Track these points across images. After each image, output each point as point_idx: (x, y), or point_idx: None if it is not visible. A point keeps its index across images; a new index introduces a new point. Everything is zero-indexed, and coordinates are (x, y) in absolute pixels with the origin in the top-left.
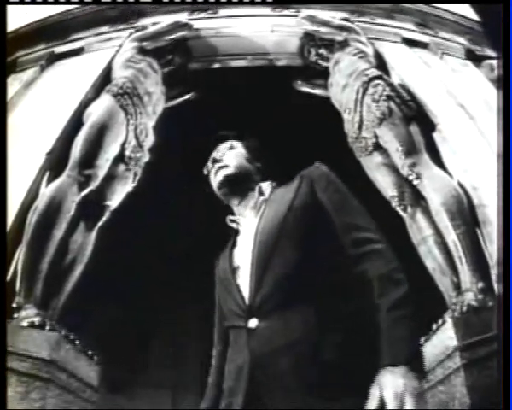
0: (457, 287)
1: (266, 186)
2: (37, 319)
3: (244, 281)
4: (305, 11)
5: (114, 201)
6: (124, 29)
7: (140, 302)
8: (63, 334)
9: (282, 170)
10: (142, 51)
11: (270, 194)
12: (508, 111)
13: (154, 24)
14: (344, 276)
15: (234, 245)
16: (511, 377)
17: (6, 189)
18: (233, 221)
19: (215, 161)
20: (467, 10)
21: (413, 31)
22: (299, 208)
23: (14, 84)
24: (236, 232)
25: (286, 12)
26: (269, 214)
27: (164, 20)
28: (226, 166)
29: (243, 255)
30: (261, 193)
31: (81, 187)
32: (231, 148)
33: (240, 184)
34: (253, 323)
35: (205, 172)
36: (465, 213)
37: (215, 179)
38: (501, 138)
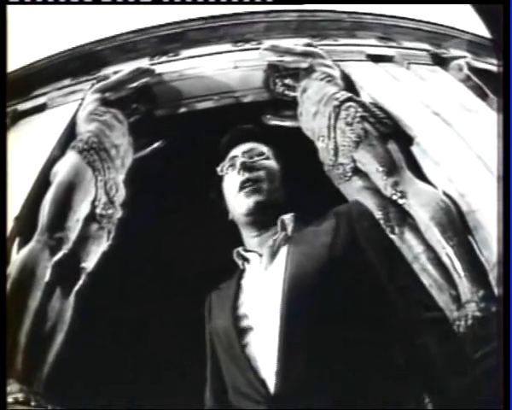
0: (457, 300)
1: (289, 220)
2: (20, 395)
3: (260, 353)
4: (267, 42)
5: (90, 262)
6: (86, 80)
7: (127, 366)
8: (50, 409)
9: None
10: (105, 103)
11: (294, 231)
12: (508, 112)
13: (115, 73)
14: (400, 351)
15: (238, 293)
16: (511, 378)
17: None
18: (241, 256)
19: (245, 167)
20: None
21: (376, 46)
22: (342, 258)
23: None
24: (241, 274)
25: (247, 46)
26: (300, 262)
27: (125, 67)
28: (260, 190)
29: (257, 312)
30: (283, 228)
31: (53, 251)
32: (266, 158)
33: (266, 215)
34: None
35: (219, 171)
36: (456, 224)
37: (242, 199)
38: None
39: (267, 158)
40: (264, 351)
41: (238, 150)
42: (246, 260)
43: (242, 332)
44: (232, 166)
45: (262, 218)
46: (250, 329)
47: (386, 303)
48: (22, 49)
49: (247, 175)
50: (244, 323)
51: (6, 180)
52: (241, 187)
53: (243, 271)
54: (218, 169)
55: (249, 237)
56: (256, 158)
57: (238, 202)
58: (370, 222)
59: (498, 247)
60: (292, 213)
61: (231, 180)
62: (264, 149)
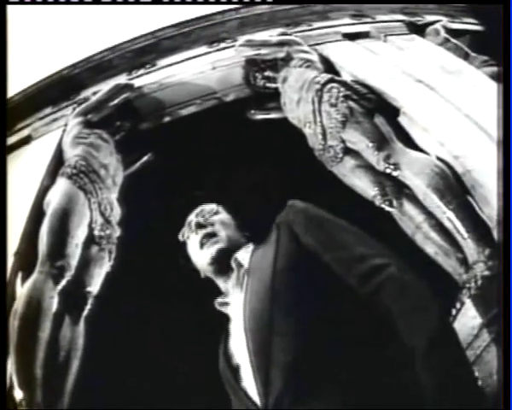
0: (464, 262)
1: (243, 254)
2: None
3: (250, 383)
4: (242, 38)
5: (95, 285)
6: (66, 106)
7: (142, 387)
8: None
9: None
10: (88, 124)
11: (250, 261)
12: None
13: (94, 93)
14: (362, 323)
15: (227, 336)
16: (511, 376)
17: None
18: (222, 304)
19: (200, 226)
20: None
21: (351, 24)
22: (285, 268)
23: None
24: (228, 318)
25: (223, 45)
26: (252, 289)
27: (104, 87)
28: (218, 239)
29: (240, 350)
30: (239, 265)
31: (56, 280)
32: (216, 213)
33: (229, 260)
34: None
35: (181, 237)
36: (453, 186)
37: (205, 253)
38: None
39: (217, 213)
40: (252, 382)
41: (192, 215)
42: (227, 304)
43: (235, 371)
44: (190, 230)
45: (226, 263)
46: (239, 367)
47: (337, 288)
48: (23, 49)
49: (203, 231)
50: (234, 362)
51: (6, 215)
52: (202, 243)
53: (228, 315)
54: (180, 236)
55: (222, 284)
56: (207, 215)
57: (203, 256)
58: (307, 218)
59: (498, 202)
60: (244, 247)
61: (192, 242)
62: (212, 206)
